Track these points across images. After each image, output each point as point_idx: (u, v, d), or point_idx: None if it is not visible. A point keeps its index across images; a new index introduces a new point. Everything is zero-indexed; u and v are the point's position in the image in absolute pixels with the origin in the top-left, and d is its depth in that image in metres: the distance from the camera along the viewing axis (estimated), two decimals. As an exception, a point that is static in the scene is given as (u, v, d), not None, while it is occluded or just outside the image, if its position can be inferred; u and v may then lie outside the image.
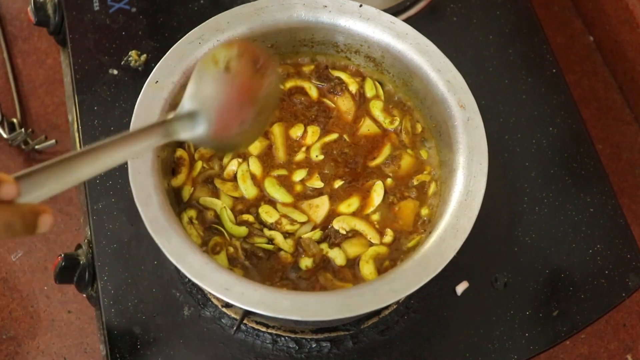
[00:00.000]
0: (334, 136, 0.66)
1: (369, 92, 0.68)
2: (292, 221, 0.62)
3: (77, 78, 0.75)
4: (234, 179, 0.63)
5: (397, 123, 0.66)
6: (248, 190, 0.63)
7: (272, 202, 0.63)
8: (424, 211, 0.63)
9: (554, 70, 0.79)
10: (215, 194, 0.63)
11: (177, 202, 0.62)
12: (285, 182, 0.64)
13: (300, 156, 0.65)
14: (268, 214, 0.62)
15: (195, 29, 0.64)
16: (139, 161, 0.57)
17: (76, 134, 0.74)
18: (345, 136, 0.66)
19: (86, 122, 0.73)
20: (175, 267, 0.65)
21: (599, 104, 0.93)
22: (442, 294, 0.69)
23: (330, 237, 0.62)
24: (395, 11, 0.80)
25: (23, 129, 0.85)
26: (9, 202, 0.55)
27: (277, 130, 0.65)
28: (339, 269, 0.61)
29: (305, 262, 0.61)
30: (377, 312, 0.68)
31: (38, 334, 0.78)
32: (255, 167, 0.64)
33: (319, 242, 0.62)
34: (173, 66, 0.62)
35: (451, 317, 0.68)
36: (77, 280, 0.68)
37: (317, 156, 0.65)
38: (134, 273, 0.67)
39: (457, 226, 0.57)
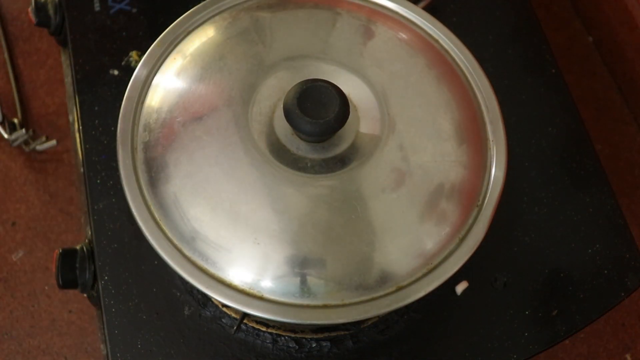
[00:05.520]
0: None
1: None
2: None
3: (77, 78, 0.75)
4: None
5: None
6: None
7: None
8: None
9: (554, 71, 0.79)
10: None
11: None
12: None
13: None
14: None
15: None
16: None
17: (77, 135, 0.74)
18: None
19: (87, 123, 0.73)
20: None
21: (598, 104, 0.93)
22: (442, 294, 0.69)
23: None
24: (395, 11, 0.80)
25: (24, 130, 0.85)
26: None
27: None
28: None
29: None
30: (376, 312, 0.68)
31: (39, 334, 0.78)
32: None
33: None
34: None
35: (451, 316, 0.68)
36: (80, 273, 0.67)
37: None
38: (135, 273, 0.67)
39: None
